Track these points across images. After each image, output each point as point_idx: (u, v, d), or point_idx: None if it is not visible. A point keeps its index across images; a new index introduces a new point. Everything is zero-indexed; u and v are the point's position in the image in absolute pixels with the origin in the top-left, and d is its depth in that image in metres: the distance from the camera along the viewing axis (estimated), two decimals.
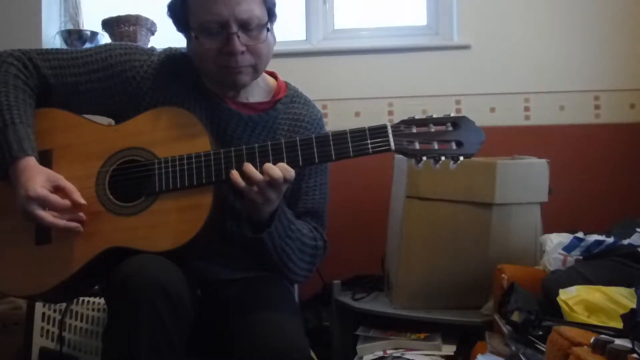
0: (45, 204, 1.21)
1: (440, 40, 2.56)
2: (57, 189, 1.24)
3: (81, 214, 1.24)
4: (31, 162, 1.25)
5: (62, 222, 1.22)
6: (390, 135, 1.20)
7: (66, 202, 1.23)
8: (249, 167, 1.21)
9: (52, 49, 1.41)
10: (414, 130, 1.21)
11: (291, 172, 1.20)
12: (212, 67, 1.32)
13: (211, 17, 1.27)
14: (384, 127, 1.21)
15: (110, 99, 1.37)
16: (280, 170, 1.19)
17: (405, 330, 1.89)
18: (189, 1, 1.30)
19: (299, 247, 1.34)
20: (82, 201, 1.25)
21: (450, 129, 1.21)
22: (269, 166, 1.20)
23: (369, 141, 1.20)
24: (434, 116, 1.22)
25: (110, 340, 1.15)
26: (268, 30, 1.32)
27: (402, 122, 1.22)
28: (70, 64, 1.37)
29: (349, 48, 2.57)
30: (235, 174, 1.21)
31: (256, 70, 1.35)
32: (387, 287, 2.08)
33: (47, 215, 1.21)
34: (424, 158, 1.19)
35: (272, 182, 1.19)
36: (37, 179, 1.22)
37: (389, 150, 1.20)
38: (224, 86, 1.38)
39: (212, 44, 1.29)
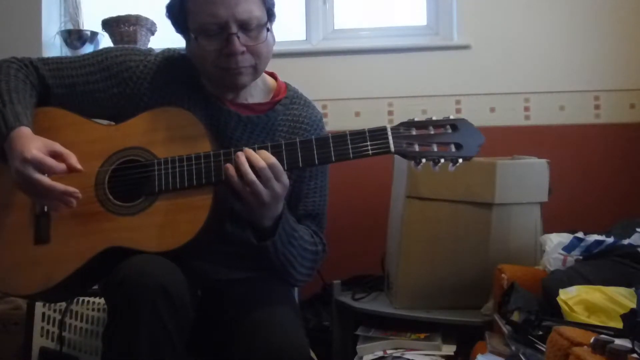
0: (41, 167, 1.19)
1: (440, 40, 2.56)
2: (55, 155, 1.22)
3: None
4: (26, 130, 1.23)
5: (60, 186, 1.19)
6: (390, 138, 1.20)
7: (62, 166, 1.22)
8: (240, 157, 1.20)
9: (52, 56, 1.43)
10: (414, 132, 1.21)
11: (271, 159, 1.20)
12: (212, 69, 1.32)
13: (210, 18, 1.27)
14: (384, 129, 1.21)
15: (109, 101, 1.38)
16: (261, 158, 1.19)
17: (405, 330, 1.89)
18: (188, 3, 1.30)
19: (300, 253, 1.34)
20: (79, 167, 1.24)
21: (450, 131, 1.21)
22: (250, 153, 1.20)
23: (368, 143, 1.21)
24: (434, 118, 1.23)
25: (110, 340, 1.15)
26: (268, 30, 1.32)
27: (402, 124, 1.22)
28: (69, 66, 1.38)
29: (349, 48, 2.57)
30: (230, 167, 1.21)
31: (256, 71, 1.35)
32: (387, 287, 2.08)
33: (45, 178, 1.19)
34: (423, 160, 1.20)
35: (258, 173, 1.19)
36: (33, 143, 1.20)
37: (389, 152, 1.21)
38: (224, 87, 1.38)
39: (212, 45, 1.29)
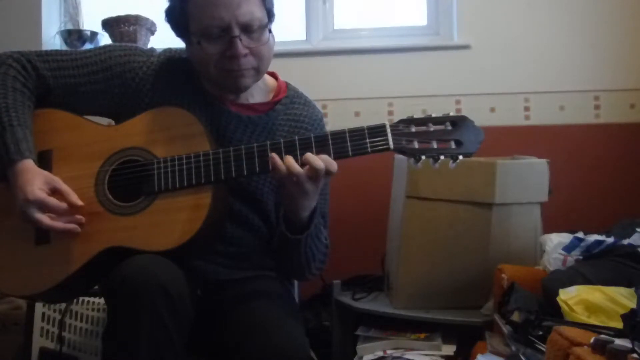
0: (43, 207, 1.22)
1: (440, 40, 2.56)
2: (55, 191, 1.25)
3: (79, 216, 1.25)
4: (29, 164, 1.25)
5: (60, 225, 1.23)
6: (389, 135, 1.20)
7: (63, 205, 1.24)
8: (289, 160, 1.20)
9: (51, 50, 1.41)
10: (413, 129, 1.21)
11: (334, 165, 1.19)
12: (214, 72, 1.32)
13: (212, 21, 1.27)
14: (383, 126, 1.21)
15: (110, 100, 1.37)
16: (322, 161, 1.18)
17: (405, 330, 1.89)
18: (189, 7, 1.29)
19: (320, 248, 1.36)
20: (79, 203, 1.25)
21: (450, 128, 1.21)
22: (310, 156, 1.19)
23: (367, 140, 1.20)
24: (433, 115, 1.22)
25: (110, 340, 1.15)
26: (270, 31, 1.32)
27: (401, 121, 1.22)
28: (70, 65, 1.37)
29: (349, 48, 2.57)
30: (275, 157, 1.20)
31: (258, 72, 1.35)
32: (387, 287, 2.08)
33: (45, 218, 1.22)
34: (423, 157, 1.19)
35: (311, 174, 1.19)
36: (35, 181, 1.22)
37: (388, 149, 1.20)
38: (226, 90, 1.38)
39: (214, 48, 1.29)
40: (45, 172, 1.27)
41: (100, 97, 1.37)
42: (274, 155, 1.20)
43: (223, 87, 1.37)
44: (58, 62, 1.37)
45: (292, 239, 1.29)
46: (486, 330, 1.62)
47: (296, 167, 1.19)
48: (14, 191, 1.23)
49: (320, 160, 1.18)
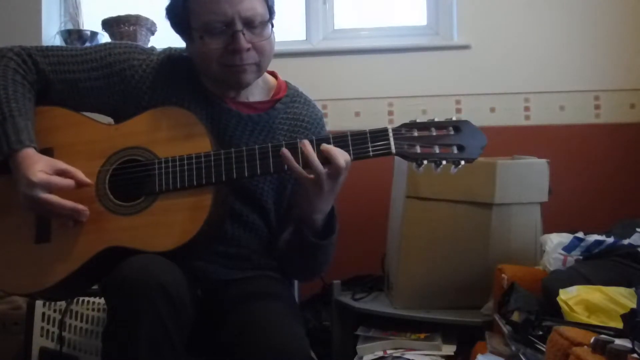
0: (49, 187, 1.21)
1: (440, 40, 2.56)
2: (60, 173, 1.24)
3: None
4: (30, 152, 1.24)
5: (69, 203, 1.22)
6: (391, 139, 1.20)
7: (70, 182, 1.24)
8: (307, 147, 1.18)
9: (52, 46, 1.41)
10: (415, 133, 1.21)
11: (346, 156, 1.18)
12: (216, 67, 1.32)
13: (215, 16, 1.27)
14: (385, 130, 1.21)
15: (110, 97, 1.38)
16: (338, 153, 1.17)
17: (405, 330, 1.89)
18: (191, 2, 1.30)
19: (333, 248, 1.36)
20: (87, 180, 1.25)
21: (452, 132, 1.21)
22: (331, 148, 1.18)
23: (369, 144, 1.20)
24: (436, 120, 1.22)
25: (110, 340, 1.15)
26: (272, 26, 1.33)
27: (404, 125, 1.22)
28: (70, 61, 1.37)
29: (349, 48, 2.57)
30: (286, 151, 1.19)
31: (260, 68, 1.35)
32: (387, 287, 2.08)
33: (54, 197, 1.21)
34: (425, 162, 1.19)
35: (330, 170, 1.17)
36: (37, 165, 1.22)
37: (390, 153, 1.20)
38: (228, 86, 1.38)
39: (216, 43, 1.29)
40: (48, 157, 1.26)
41: (100, 94, 1.37)
42: (285, 151, 1.19)
43: (224, 83, 1.37)
44: (58, 57, 1.37)
45: (322, 244, 1.28)
46: (486, 330, 1.62)
47: (319, 167, 1.17)
48: (16, 179, 1.23)
49: (340, 155, 1.17)
